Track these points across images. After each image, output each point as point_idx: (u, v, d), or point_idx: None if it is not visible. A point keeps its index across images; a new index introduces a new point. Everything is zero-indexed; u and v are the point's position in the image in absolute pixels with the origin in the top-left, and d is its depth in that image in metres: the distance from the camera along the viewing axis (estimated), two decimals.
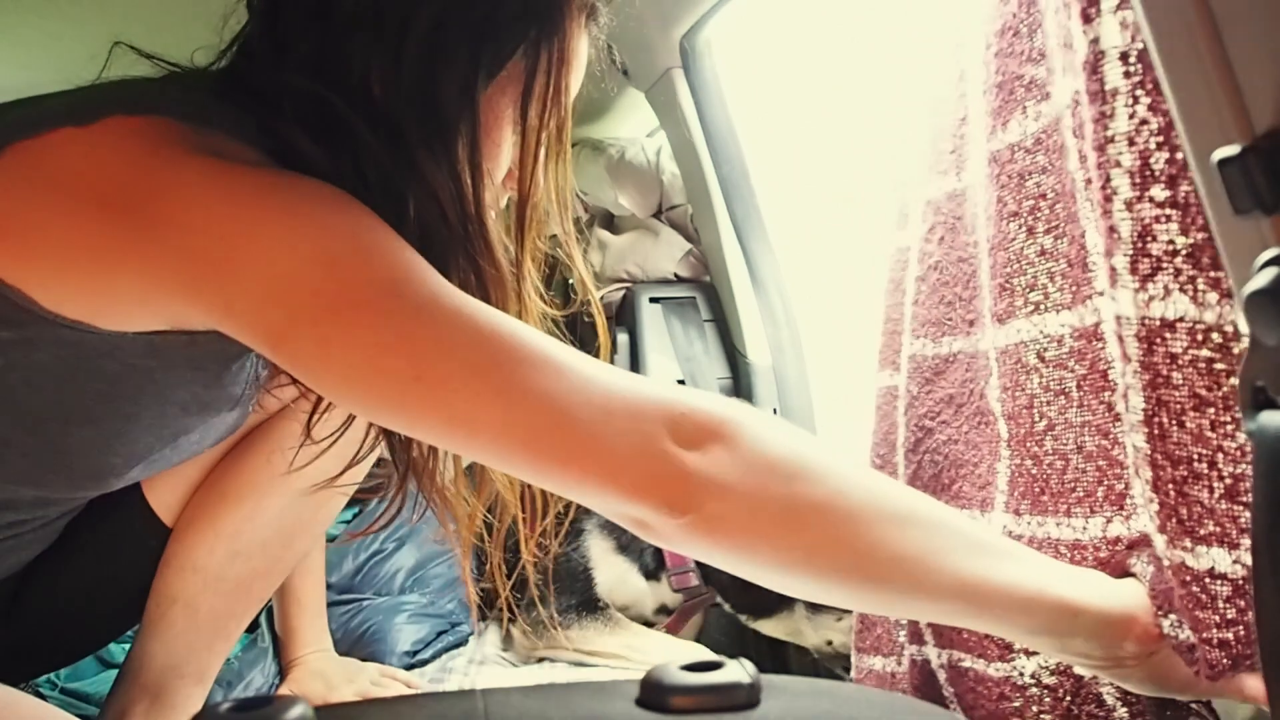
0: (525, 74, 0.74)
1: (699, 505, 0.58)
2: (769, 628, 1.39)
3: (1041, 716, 0.77)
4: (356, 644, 1.34)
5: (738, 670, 0.46)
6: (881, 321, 1.02)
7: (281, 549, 1.03)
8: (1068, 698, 0.76)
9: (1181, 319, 0.56)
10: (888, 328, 1.01)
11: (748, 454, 0.60)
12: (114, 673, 1.07)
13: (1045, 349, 0.75)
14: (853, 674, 1.01)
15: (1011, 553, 0.64)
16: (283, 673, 1.22)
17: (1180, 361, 0.57)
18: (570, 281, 1.95)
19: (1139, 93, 0.55)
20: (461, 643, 1.41)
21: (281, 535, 1.01)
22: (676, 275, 1.79)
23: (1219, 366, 0.55)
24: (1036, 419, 0.76)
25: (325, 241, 0.60)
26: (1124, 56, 0.56)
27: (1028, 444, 0.77)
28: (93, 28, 1.34)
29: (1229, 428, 0.56)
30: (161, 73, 0.78)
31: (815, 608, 1.31)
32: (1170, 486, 0.59)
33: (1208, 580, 0.58)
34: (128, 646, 1.02)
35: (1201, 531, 0.58)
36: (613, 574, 1.45)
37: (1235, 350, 0.55)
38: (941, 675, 0.88)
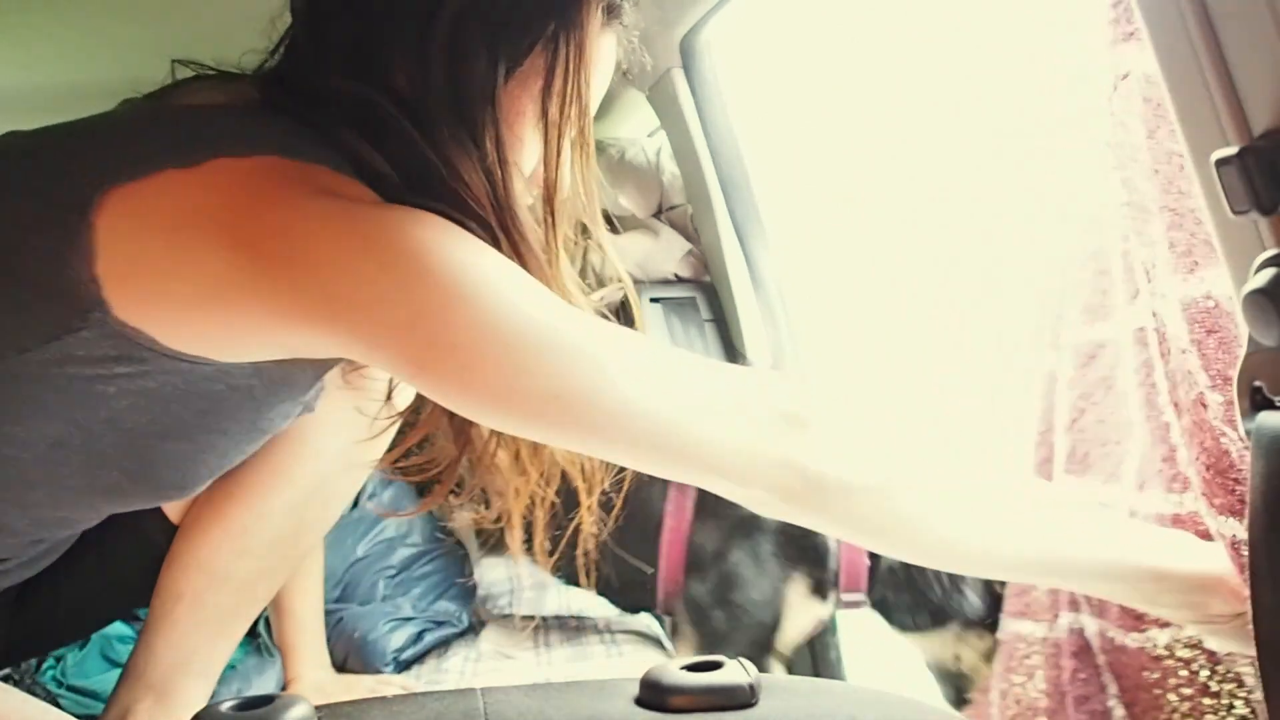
0: (545, 69, 0.76)
1: (813, 490, 0.70)
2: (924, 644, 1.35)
3: (1180, 690, 0.79)
4: (344, 655, 1.34)
5: (737, 670, 0.46)
6: (1036, 305, 1.03)
7: (288, 547, 1.03)
8: (1204, 671, 0.78)
9: None
10: (1046, 311, 1.01)
11: (839, 451, 0.70)
12: (119, 671, 1.07)
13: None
14: (1000, 635, 1.03)
15: (1096, 524, 0.74)
16: (281, 689, 1.22)
17: None
18: (597, 272, 1.94)
19: None
20: (447, 642, 1.41)
21: (288, 534, 1.02)
22: (677, 275, 1.79)
23: None
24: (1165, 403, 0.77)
25: (454, 272, 0.64)
26: None
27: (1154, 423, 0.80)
28: (94, 28, 1.34)
29: None
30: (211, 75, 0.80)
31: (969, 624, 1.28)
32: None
33: None
34: (132, 646, 1.03)
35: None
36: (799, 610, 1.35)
37: None
38: (1095, 643, 0.89)
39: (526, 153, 0.79)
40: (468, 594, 1.52)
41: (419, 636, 1.39)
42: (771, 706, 0.45)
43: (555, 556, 0.96)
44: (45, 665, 1.30)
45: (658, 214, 1.87)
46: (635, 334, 0.70)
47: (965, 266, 1.86)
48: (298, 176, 0.67)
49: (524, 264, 0.74)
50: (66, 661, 1.31)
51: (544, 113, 0.77)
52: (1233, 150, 0.40)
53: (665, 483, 1.26)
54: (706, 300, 1.72)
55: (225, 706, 0.41)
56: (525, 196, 0.79)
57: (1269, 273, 0.40)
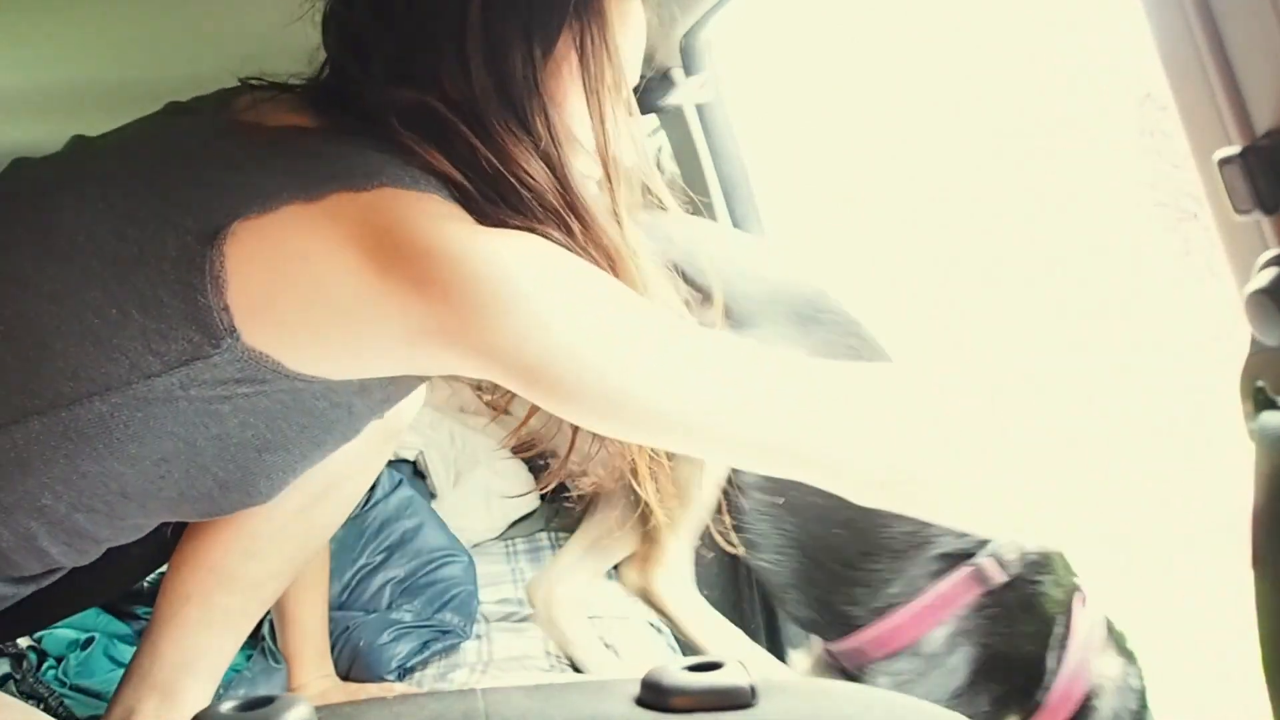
0: (575, 48, 0.78)
1: None
2: None
3: None
4: (348, 664, 1.34)
5: (738, 671, 0.46)
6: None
7: (295, 550, 1.04)
8: None
9: None
10: None
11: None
12: (121, 670, 1.07)
13: None
14: None
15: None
16: None
17: None
18: None
19: None
20: (451, 652, 1.41)
21: (296, 537, 1.02)
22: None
23: None
24: None
25: (555, 292, 0.70)
26: None
27: None
28: (94, 28, 1.34)
29: None
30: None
31: None
32: None
33: None
34: (133, 646, 1.03)
35: None
36: None
37: None
38: None
39: (580, 128, 0.81)
40: (473, 602, 1.51)
41: (423, 646, 1.39)
42: (772, 707, 0.45)
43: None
44: (46, 665, 1.29)
45: None
46: (720, 335, 0.76)
47: (966, 267, 1.86)
48: (414, 205, 0.72)
49: (594, 239, 0.78)
50: (69, 661, 1.31)
51: (584, 85, 0.79)
52: (1235, 150, 0.40)
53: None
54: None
55: (226, 707, 0.41)
56: (588, 171, 0.81)
57: (1271, 272, 0.40)
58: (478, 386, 0.91)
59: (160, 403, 0.70)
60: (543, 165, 0.76)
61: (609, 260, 0.79)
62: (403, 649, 1.36)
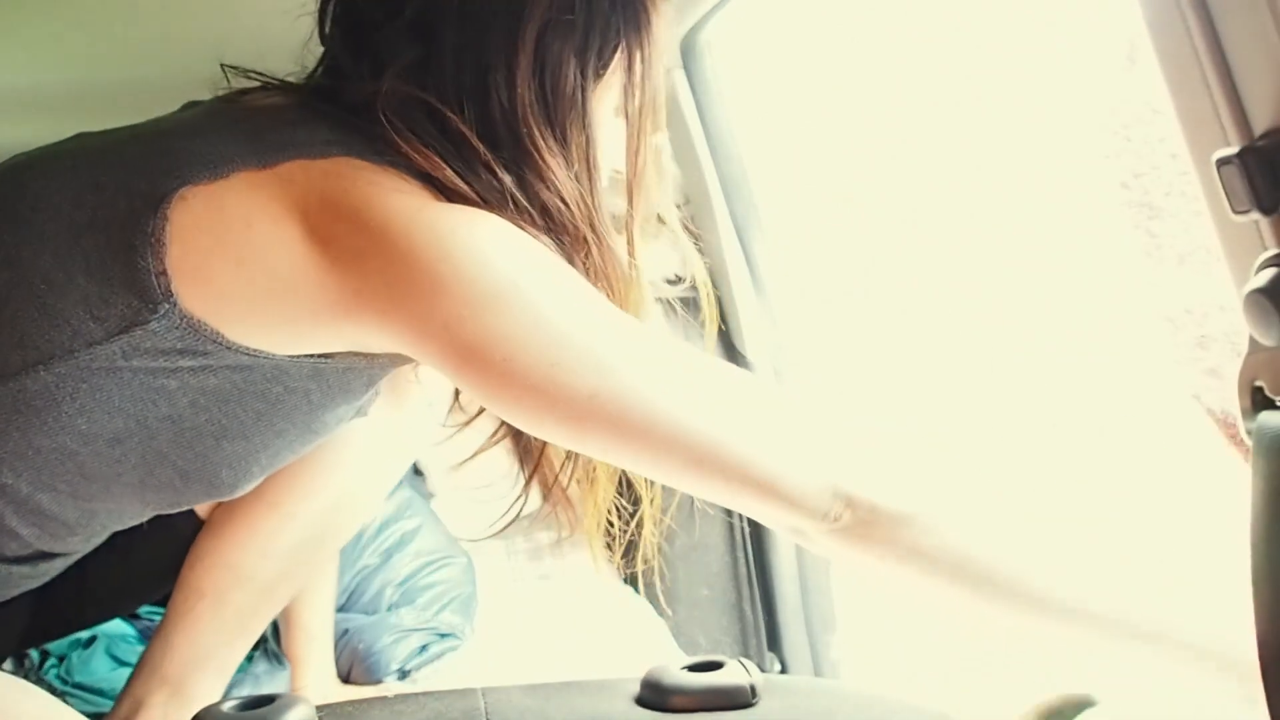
0: (625, 70, 0.78)
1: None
2: None
3: None
4: (348, 667, 1.34)
5: (737, 670, 0.46)
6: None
7: (310, 552, 1.04)
8: None
9: None
10: None
11: (889, 480, 0.69)
12: (127, 670, 1.08)
13: None
14: None
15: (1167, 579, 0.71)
16: None
17: None
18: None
19: None
20: (452, 652, 1.41)
21: (312, 540, 1.03)
22: (677, 275, 1.79)
23: None
24: None
25: (504, 274, 0.67)
26: None
27: None
28: (94, 28, 1.34)
29: None
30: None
31: None
32: None
33: None
34: (141, 648, 1.03)
35: None
36: None
37: None
38: None
39: (604, 154, 0.81)
40: (472, 604, 1.51)
41: (423, 648, 1.39)
42: (772, 707, 0.45)
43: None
44: (48, 663, 1.30)
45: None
46: (684, 346, 0.73)
47: (966, 266, 1.86)
48: (369, 176, 0.70)
49: (609, 263, 0.78)
50: (71, 660, 1.31)
51: (626, 111, 0.79)
52: (1233, 150, 0.40)
53: None
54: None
55: (227, 706, 0.41)
56: (607, 197, 0.82)
57: (1270, 272, 0.40)
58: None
59: (104, 373, 0.69)
60: (574, 183, 0.76)
61: (619, 284, 0.79)
62: (402, 651, 1.36)
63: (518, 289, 0.67)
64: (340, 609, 1.44)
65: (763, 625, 1.51)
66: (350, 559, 1.49)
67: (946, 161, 1.81)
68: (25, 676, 1.23)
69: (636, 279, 0.82)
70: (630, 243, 0.82)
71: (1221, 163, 0.40)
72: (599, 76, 0.77)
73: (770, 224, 1.59)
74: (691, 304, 1.74)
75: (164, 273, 0.67)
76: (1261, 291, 0.40)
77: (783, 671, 1.49)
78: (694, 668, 0.46)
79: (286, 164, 0.70)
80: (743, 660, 0.47)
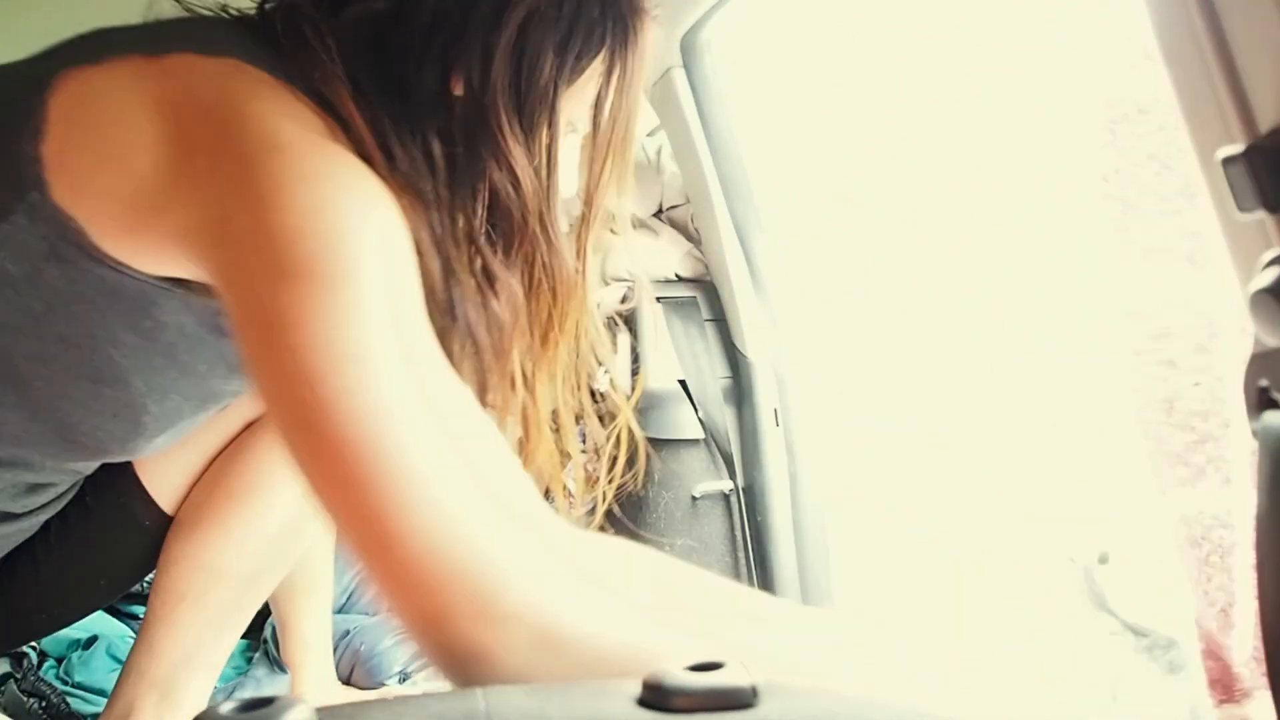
0: (603, 79, 0.76)
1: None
2: None
3: None
4: (349, 669, 1.34)
5: (739, 671, 0.46)
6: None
7: (289, 542, 1.03)
8: None
9: None
10: None
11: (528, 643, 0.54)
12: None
13: None
14: None
15: None
16: None
17: None
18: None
19: None
20: None
21: (289, 530, 1.01)
22: (677, 275, 1.79)
23: None
24: None
25: (326, 251, 0.57)
26: None
27: None
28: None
29: None
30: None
31: None
32: None
33: None
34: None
35: None
36: None
37: None
38: None
39: (567, 157, 0.80)
40: None
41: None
42: (773, 708, 0.45)
43: None
44: (47, 664, 1.30)
45: (658, 214, 1.86)
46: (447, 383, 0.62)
47: (965, 266, 1.86)
48: (258, 89, 0.64)
49: (557, 264, 0.76)
50: (70, 659, 1.31)
51: (595, 121, 0.77)
52: (1239, 148, 0.39)
53: None
54: (706, 300, 1.71)
55: (226, 707, 0.41)
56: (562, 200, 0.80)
57: (1275, 271, 0.39)
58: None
59: None
60: (532, 175, 0.74)
61: (561, 288, 0.77)
62: (404, 654, 1.36)
63: (354, 289, 0.57)
64: (341, 610, 1.44)
65: None
66: (351, 560, 1.48)
67: (945, 161, 1.81)
68: (25, 676, 1.23)
69: (581, 286, 0.80)
70: (581, 251, 0.80)
71: (1227, 161, 0.40)
72: (574, 78, 0.75)
73: (770, 224, 1.59)
74: (688, 304, 1.74)
75: (37, 159, 0.63)
76: (1267, 291, 0.40)
77: None
78: (695, 668, 0.46)
79: (176, 56, 0.65)
80: (744, 660, 0.47)
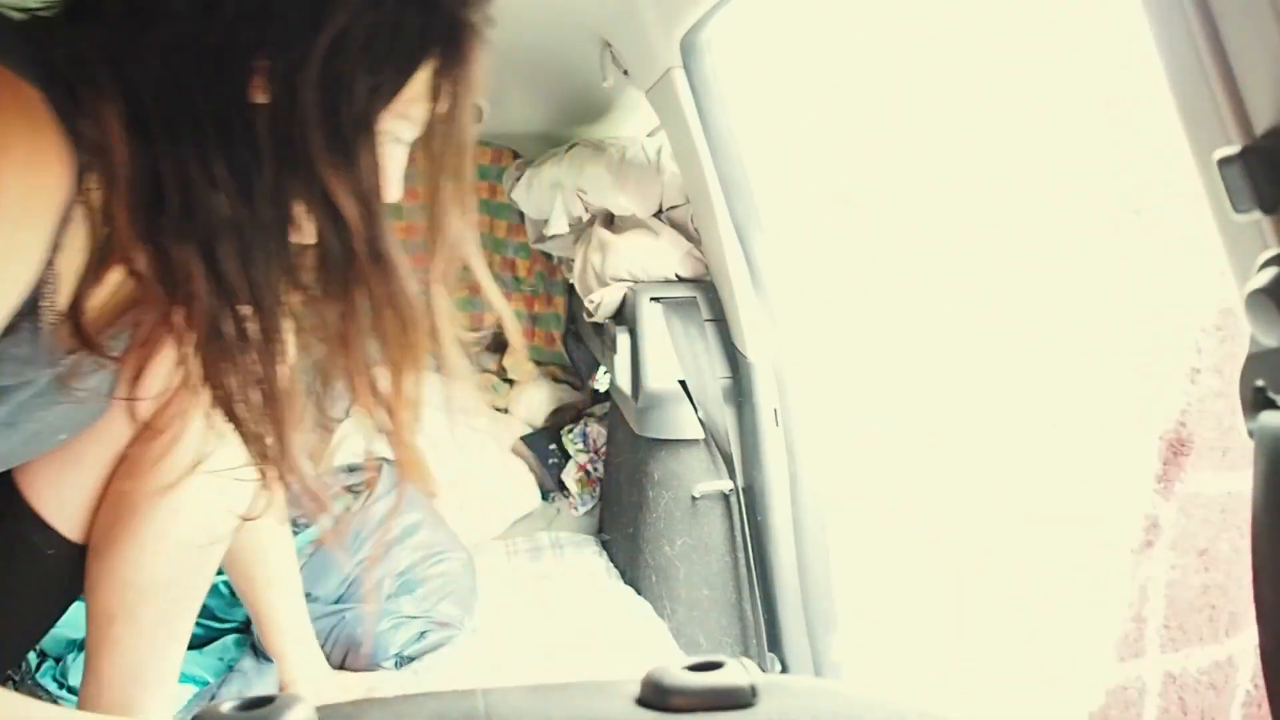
0: (429, 102, 0.72)
1: None
2: None
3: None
4: (344, 653, 1.34)
5: (737, 670, 0.46)
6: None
7: (207, 544, 1.01)
8: None
9: None
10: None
11: None
12: None
13: None
14: None
15: None
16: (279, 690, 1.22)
17: None
18: (570, 281, 1.94)
19: None
20: (450, 642, 1.42)
21: (205, 528, 0.99)
22: (677, 275, 1.79)
23: None
24: None
25: None
26: None
27: None
28: None
29: None
30: None
31: None
32: None
33: None
34: None
35: None
36: None
37: None
38: None
39: (396, 181, 0.76)
40: (471, 597, 1.52)
41: (421, 635, 1.39)
42: (772, 707, 0.45)
43: None
44: (45, 666, 1.30)
45: (658, 214, 1.87)
46: None
47: (965, 266, 1.87)
48: None
49: (395, 294, 0.70)
50: (67, 662, 1.31)
51: (428, 147, 0.72)
52: (1235, 149, 0.40)
53: None
54: (706, 300, 1.72)
55: (226, 707, 0.41)
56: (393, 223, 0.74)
57: (1271, 271, 0.40)
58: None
59: None
60: (358, 205, 0.68)
61: (406, 314, 0.71)
62: (400, 638, 1.37)
63: None
64: (339, 599, 1.44)
65: (763, 625, 1.51)
66: (351, 552, 1.49)
67: (945, 161, 1.81)
68: (22, 678, 1.23)
69: (427, 316, 0.73)
70: (428, 283, 0.73)
71: (1223, 162, 0.40)
72: (394, 95, 0.70)
73: (770, 224, 1.59)
74: (688, 304, 1.74)
75: None
76: (1263, 291, 0.40)
77: (783, 671, 1.49)
78: (694, 668, 0.46)
79: None
80: (743, 660, 0.47)
